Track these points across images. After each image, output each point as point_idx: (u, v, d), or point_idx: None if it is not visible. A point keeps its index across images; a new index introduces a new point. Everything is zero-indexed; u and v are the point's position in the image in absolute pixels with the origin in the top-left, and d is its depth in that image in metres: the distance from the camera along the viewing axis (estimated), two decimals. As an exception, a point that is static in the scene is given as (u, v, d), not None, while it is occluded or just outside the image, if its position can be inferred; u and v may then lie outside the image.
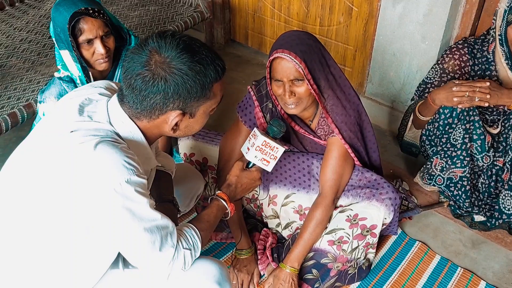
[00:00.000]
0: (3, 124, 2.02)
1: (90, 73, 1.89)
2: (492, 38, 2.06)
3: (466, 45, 2.18)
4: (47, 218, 1.25)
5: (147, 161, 1.40)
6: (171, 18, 2.78)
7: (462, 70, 2.16)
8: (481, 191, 2.21)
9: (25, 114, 2.09)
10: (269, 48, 3.25)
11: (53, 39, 1.84)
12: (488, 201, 2.22)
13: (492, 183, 2.19)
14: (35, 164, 1.27)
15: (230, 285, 1.50)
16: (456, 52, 2.18)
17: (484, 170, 2.17)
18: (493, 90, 1.98)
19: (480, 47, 2.14)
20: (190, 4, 2.88)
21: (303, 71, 1.64)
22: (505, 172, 2.13)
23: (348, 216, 1.86)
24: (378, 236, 1.89)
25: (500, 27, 1.96)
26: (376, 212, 1.83)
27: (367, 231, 1.86)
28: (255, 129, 1.63)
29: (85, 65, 1.84)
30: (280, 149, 1.61)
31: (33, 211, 1.25)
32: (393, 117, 2.71)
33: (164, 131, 1.36)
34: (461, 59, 2.16)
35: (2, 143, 2.51)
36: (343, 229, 1.86)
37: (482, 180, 2.19)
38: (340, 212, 1.88)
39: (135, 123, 1.32)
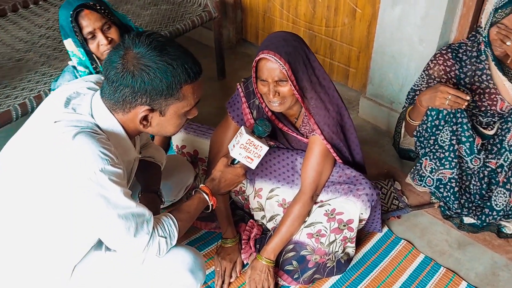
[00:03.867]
0: (13, 113, 2.17)
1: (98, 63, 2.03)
2: (481, 37, 2.07)
3: (449, 50, 2.20)
4: (31, 202, 1.34)
5: (127, 152, 1.48)
6: (181, 17, 2.89)
7: (448, 75, 2.18)
8: (472, 193, 2.22)
9: (34, 105, 2.24)
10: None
11: (61, 35, 2.00)
12: (480, 202, 2.22)
13: (484, 185, 2.20)
14: (22, 152, 1.37)
15: (203, 274, 1.57)
16: (440, 58, 2.20)
17: (476, 172, 2.18)
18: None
19: (470, 48, 2.15)
20: (199, 4, 2.99)
21: (287, 72, 1.69)
22: (502, 175, 2.12)
23: (326, 211, 1.92)
24: (355, 231, 1.94)
25: (484, 28, 1.97)
26: (353, 207, 1.88)
27: (344, 225, 1.91)
28: (242, 127, 1.71)
29: (89, 50, 1.97)
30: (264, 148, 1.69)
31: (18, 196, 1.35)
32: (392, 118, 2.74)
33: (138, 126, 1.41)
34: (445, 63, 2.18)
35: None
36: (321, 222, 1.92)
37: (474, 182, 2.20)
38: (319, 206, 1.95)
39: (114, 116, 1.39)
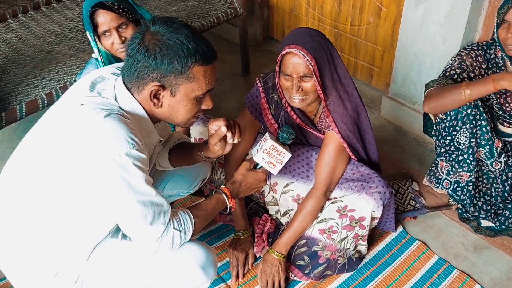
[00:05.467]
0: (40, 102, 2.27)
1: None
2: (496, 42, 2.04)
3: (480, 48, 2.15)
4: (55, 182, 1.38)
5: (149, 135, 1.51)
6: (206, 13, 2.93)
7: (478, 70, 2.13)
8: (493, 195, 2.18)
9: (60, 95, 2.32)
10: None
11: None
12: (501, 205, 2.18)
13: (508, 188, 2.15)
14: (47, 133, 1.42)
15: (214, 271, 1.59)
16: (471, 52, 2.14)
17: (498, 175, 2.14)
18: None
19: (494, 50, 2.11)
20: (226, 1, 3.03)
21: (313, 68, 1.69)
22: None
23: (339, 207, 1.92)
24: (367, 228, 1.94)
25: (495, 31, 1.95)
26: (365, 204, 1.88)
27: (356, 223, 1.91)
28: (267, 133, 1.73)
29: (101, 47, 2.02)
30: (286, 155, 1.70)
31: (43, 175, 1.39)
32: (414, 118, 2.71)
33: (151, 106, 1.43)
34: (476, 59, 2.13)
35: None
36: (333, 219, 1.93)
37: (495, 185, 2.16)
38: (331, 203, 1.95)
39: (134, 97, 1.42)
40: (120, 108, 1.41)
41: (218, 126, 1.63)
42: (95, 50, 2.06)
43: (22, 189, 1.45)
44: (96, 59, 2.13)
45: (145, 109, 1.44)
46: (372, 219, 1.93)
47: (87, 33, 2.01)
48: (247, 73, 3.31)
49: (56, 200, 1.40)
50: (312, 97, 1.79)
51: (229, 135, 1.64)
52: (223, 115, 2.26)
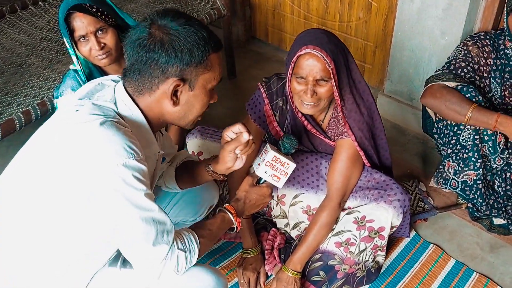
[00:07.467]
0: (17, 121, 2.06)
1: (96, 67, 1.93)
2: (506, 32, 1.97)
3: (488, 37, 2.07)
4: (51, 196, 1.23)
5: (149, 145, 1.37)
6: (188, 16, 2.78)
7: (485, 60, 2.05)
8: (500, 194, 2.12)
9: (39, 112, 2.12)
10: (289, 45, 3.20)
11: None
12: (510, 203, 2.12)
13: (509, 187, 2.10)
14: (44, 142, 1.29)
15: None
16: (478, 41, 2.07)
17: (499, 173, 2.07)
18: None
19: (503, 40, 2.04)
20: (207, 1, 2.87)
21: (332, 71, 1.57)
22: None
23: (356, 218, 1.81)
24: (386, 238, 1.84)
25: (506, 19, 1.87)
26: (384, 214, 1.77)
27: (375, 233, 1.81)
28: (267, 144, 1.59)
29: (79, 54, 1.87)
30: (291, 165, 1.57)
31: (38, 192, 1.25)
32: (413, 115, 2.63)
33: (165, 107, 1.31)
34: (483, 49, 2.05)
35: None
36: (350, 231, 1.82)
37: (498, 183, 2.10)
38: (347, 214, 1.84)
39: (137, 104, 1.30)
40: (118, 114, 1.28)
41: (237, 132, 1.49)
42: (74, 58, 1.89)
43: (16, 210, 1.29)
44: (75, 70, 1.95)
45: (145, 116, 1.32)
46: (391, 228, 1.83)
47: (64, 39, 1.84)
48: (233, 76, 3.15)
49: (51, 218, 1.25)
50: (324, 104, 1.67)
51: (241, 147, 1.48)
52: (215, 122, 2.12)
